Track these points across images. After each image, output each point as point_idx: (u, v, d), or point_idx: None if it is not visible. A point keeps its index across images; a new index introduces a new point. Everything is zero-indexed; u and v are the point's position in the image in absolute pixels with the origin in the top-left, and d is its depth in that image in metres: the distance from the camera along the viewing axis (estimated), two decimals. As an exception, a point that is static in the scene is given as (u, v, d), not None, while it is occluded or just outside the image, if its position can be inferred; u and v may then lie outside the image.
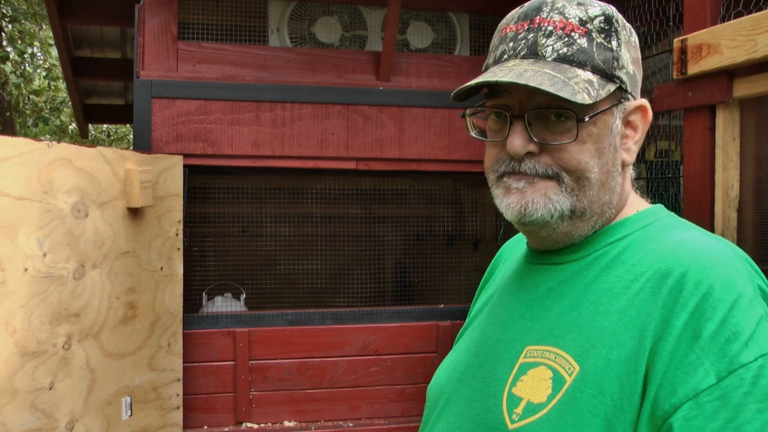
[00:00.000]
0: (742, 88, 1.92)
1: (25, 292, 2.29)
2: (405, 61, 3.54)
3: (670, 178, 2.70)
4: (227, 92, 3.27)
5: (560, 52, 0.83)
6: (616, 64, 0.84)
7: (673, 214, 0.91)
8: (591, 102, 0.80)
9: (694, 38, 2.01)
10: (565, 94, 0.78)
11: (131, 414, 2.77)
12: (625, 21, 0.89)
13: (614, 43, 0.85)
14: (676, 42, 2.08)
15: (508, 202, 0.87)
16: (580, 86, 0.80)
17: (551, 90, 0.78)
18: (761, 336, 0.71)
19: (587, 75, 0.82)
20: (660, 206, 0.92)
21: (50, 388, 2.37)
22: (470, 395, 0.90)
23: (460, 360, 0.97)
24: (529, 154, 0.84)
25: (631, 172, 0.94)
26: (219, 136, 3.26)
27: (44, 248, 2.36)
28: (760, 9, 1.88)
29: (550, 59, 0.83)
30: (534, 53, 0.83)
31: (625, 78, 0.86)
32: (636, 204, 0.92)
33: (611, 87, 0.84)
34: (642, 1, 2.74)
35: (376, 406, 3.37)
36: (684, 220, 0.90)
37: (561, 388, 0.78)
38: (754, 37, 1.79)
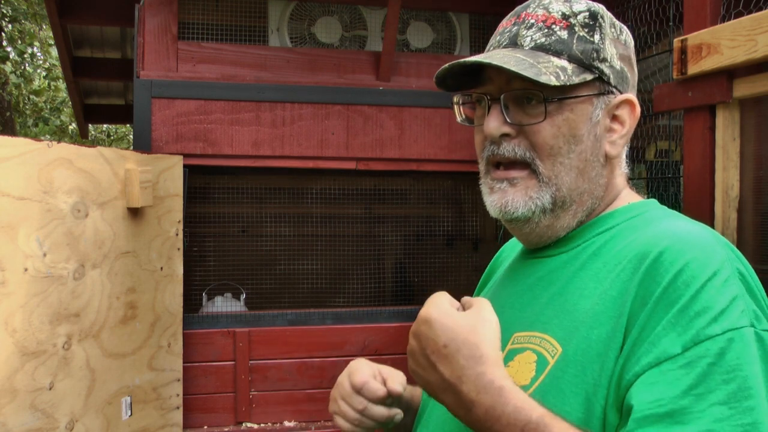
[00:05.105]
0: (742, 88, 1.92)
1: (25, 292, 2.29)
2: (405, 61, 3.54)
3: (670, 178, 2.70)
4: (227, 92, 3.27)
5: (538, 41, 0.87)
6: (596, 55, 0.88)
7: (665, 207, 0.93)
8: (558, 84, 0.83)
9: (694, 38, 2.01)
10: (528, 73, 0.82)
11: (131, 414, 2.77)
12: (615, 21, 0.93)
13: (597, 37, 0.88)
14: (676, 42, 2.08)
15: (491, 200, 0.92)
16: (550, 70, 0.84)
17: (509, 67, 0.82)
18: (733, 312, 0.71)
19: (562, 63, 0.86)
20: (653, 201, 0.94)
21: (50, 388, 2.37)
22: None
23: None
24: (506, 136, 0.88)
25: (625, 169, 0.95)
26: (219, 136, 3.26)
27: (44, 248, 2.36)
28: (760, 9, 1.88)
29: (527, 47, 0.88)
30: (513, 43, 0.89)
31: (607, 71, 0.88)
32: (627, 197, 0.94)
33: (588, 76, 0.87)
34: (642, 1, 2.74)
35: (376, 406, 3.36)
36: (674, 212, 0.91)
37: (544, 370, 0.80)
38: (754, 37, 1.79)
